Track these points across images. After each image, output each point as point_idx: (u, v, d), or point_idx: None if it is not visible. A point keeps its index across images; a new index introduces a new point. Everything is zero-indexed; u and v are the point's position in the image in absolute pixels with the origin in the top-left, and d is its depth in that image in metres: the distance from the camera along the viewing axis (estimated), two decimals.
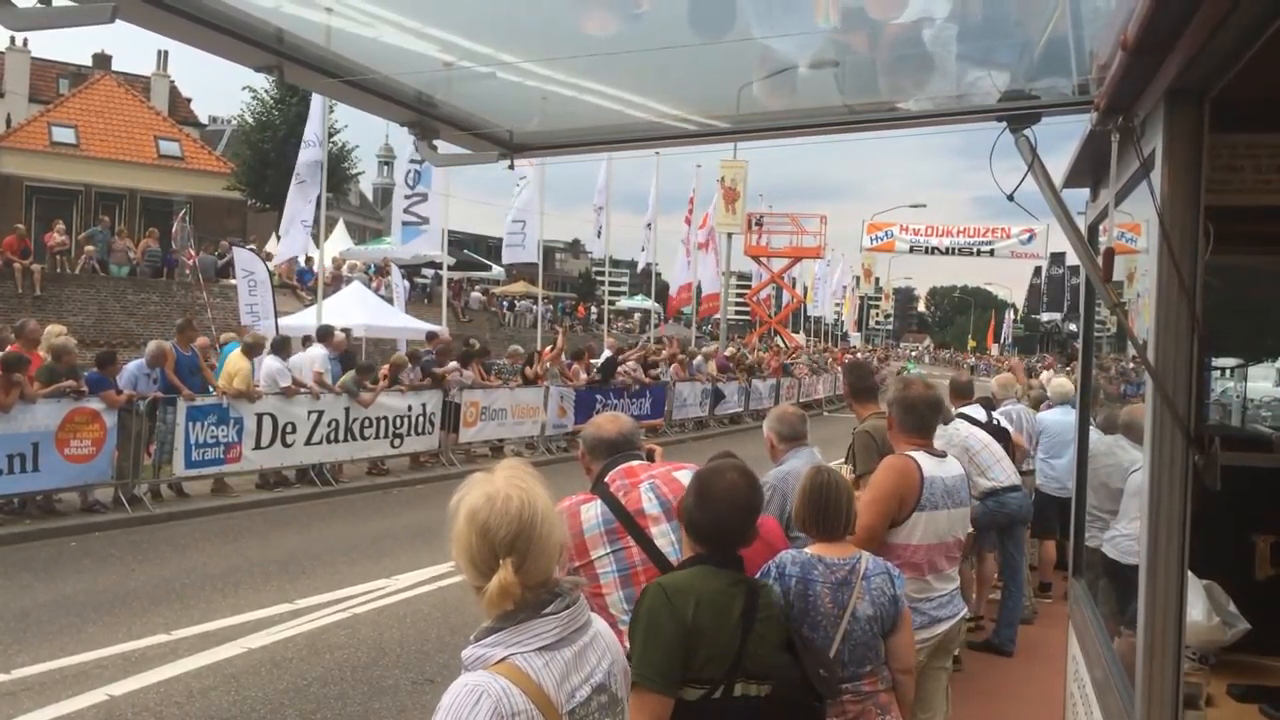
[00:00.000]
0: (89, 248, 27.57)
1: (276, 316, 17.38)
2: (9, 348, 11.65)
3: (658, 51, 2.97)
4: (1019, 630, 7.81)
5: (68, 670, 6.76)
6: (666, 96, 3.52)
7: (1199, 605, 4.16)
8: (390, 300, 24.50)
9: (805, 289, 48.98)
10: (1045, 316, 54.60)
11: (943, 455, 4.46)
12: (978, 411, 8.16)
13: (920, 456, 4.28)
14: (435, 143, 3.57)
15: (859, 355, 44.97)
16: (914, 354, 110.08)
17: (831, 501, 3.55)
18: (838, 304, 57.01)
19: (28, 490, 11.01)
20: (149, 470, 12.34)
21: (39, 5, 2.06)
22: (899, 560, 4.11)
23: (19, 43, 43.63)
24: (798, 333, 51.13)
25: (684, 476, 3.43)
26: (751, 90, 3.31)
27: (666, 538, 3.29)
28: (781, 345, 40.90)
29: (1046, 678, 6.29)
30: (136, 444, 11.93)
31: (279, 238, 19.62)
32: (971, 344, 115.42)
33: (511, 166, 3.89)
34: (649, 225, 30.34)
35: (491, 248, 46.09)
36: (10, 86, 42.45)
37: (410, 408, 15.60)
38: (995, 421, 8.17)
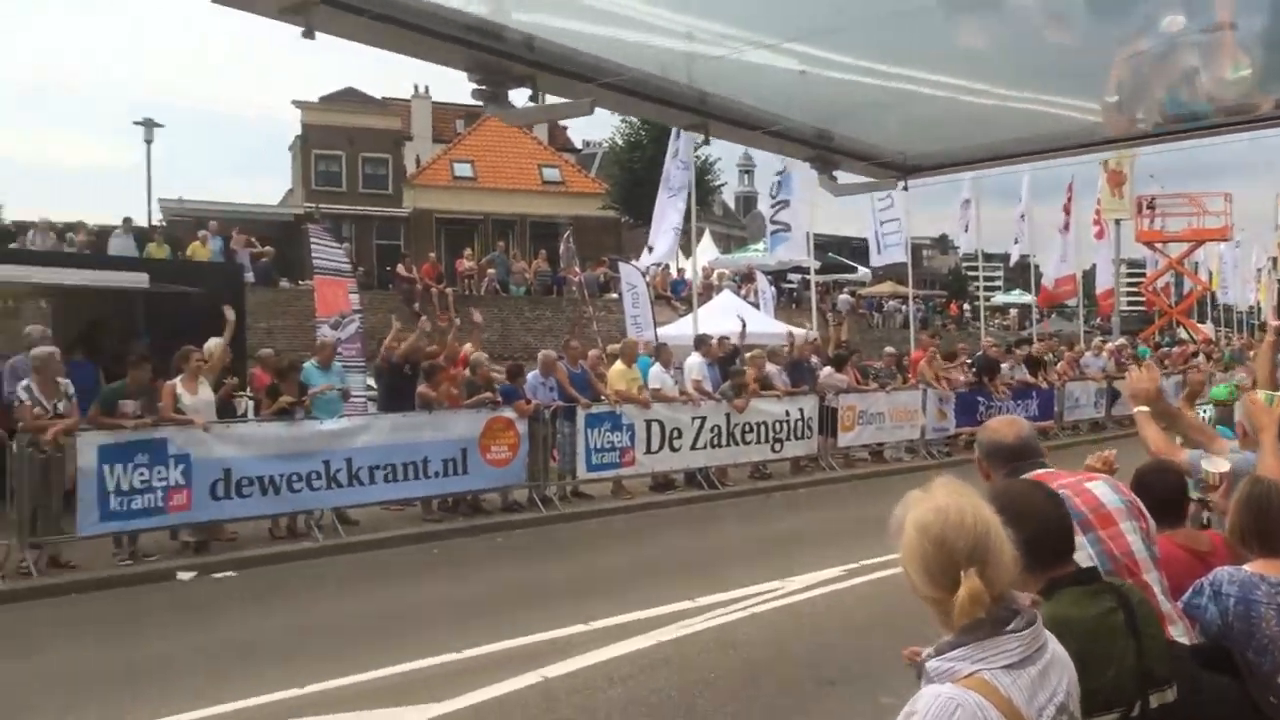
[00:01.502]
0: (490, 271, 30.81)
1: (656, 326, 18.50)
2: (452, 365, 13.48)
3: (1046, 47, 2.88)
4: None
5: (509, 652, 7.54)
6: (1063, 93, 3.28)
7: None
8: (758, 306, 25.14)
9: (1210, 274, 44.17)
10: None
11: None
12: None
13: None
14: (834, 173, 3.77)
15: None
16: None
17: (1273, 513, 3.30)
18: (1253, 290, 50.54)
19: (460, 490, 12.57)
20: (554, 473, 13.60)
21: (530, 104, 2.47)
22: None
23: (421, 89, 49.37)
24: (1204, 323, 46.08)
25: (1098, 489, 3.25)
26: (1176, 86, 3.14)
27: (1084, 550, 3.16)
28: (1187, 338, 37.11)
29: None
30: (544, 449, 13.22)
31: (649, 249, 20.72)
32: None
33: (906, 189, 4.01)
34: (1022, 216, 28.72)
35: (855, 249, 45.82)
36: (416, 130, 48.10)
37: (788, 413, 15.90)
38: None
